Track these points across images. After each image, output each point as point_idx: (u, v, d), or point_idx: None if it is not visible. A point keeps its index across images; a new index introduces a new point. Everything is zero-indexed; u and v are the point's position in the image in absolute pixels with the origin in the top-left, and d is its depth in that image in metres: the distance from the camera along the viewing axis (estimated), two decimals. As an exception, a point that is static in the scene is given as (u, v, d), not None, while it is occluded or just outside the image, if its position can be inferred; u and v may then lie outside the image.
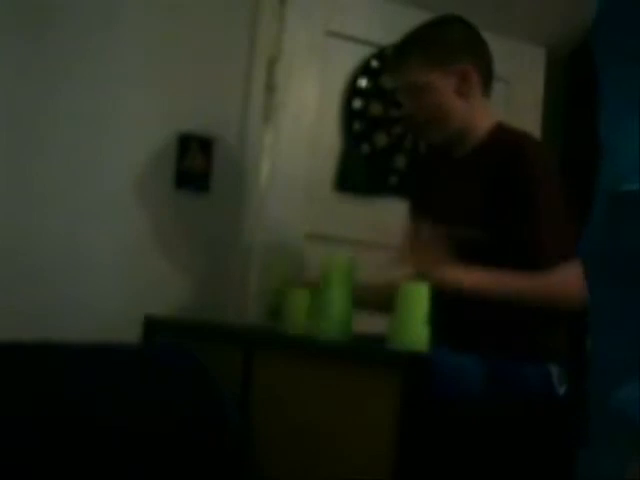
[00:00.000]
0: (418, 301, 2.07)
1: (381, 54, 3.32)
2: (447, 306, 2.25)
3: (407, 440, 1.92)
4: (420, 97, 2.39)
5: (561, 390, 2.27)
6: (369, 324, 2.44)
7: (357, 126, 3.29)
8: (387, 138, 3.33)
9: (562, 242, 2.23)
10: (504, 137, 2.39)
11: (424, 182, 2.61)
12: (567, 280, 2.20)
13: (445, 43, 2.40)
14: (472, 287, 2.24)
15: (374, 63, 3.31)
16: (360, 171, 3.30)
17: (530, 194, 2.26)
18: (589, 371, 1.16)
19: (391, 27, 3.31)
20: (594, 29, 1.18)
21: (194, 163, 2.95)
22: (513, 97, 3.45)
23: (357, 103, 3.29)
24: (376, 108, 3.31)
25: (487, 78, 2.44)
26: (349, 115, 3.28)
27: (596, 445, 1.10)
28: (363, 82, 3.30)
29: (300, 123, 3.16)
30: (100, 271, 2.80)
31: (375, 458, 1.97)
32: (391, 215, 3.24)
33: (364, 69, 3.30)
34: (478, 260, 2.27)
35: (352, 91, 3.29)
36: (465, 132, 2.41)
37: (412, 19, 3.32)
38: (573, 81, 3.62)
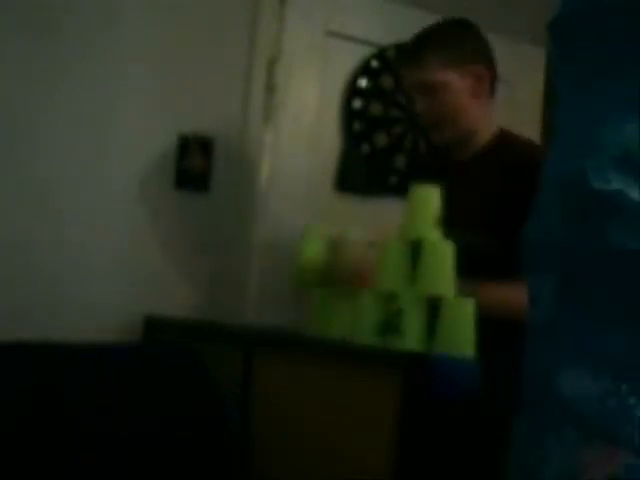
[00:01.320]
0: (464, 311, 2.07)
1: (381, 54, 3.32)
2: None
3: (407, 440, 1.92)
4: (436, 95, 2.39)
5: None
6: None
7: (357, 126, 3.29)
8: (387, 138, 3.33)
9: None
10: (508, 143, 2.40)
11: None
12: None
13: (463, 44, 2.42)
14: None
15: (374, 63, 3.31)
16: (360, 171, 3.30)
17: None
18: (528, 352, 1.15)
19: (391, 27, 3.32)
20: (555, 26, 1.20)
21: (194, 163, 2.95)
22: (513, 97, 3.45)
23: (357, 103, 3.29)
24: (376, 108, 3.31)
25: (495, 82, 2.46)
26: (349, 115, 3.28)
27: (542, 435, 1.10)
28: (363, 82, 3.30)
29: (300, 123, 3.16)
30: (100, 271, 2.80)
31: (375, 458, 1.97)
32: (391, 215, 3.24)
33: (364, 69, 3.30)
34: (480, 265, 2.26)
35: (352, 91, 3.29)
36: (472, 134, 2.42)
37: (412, 19, 3.34)
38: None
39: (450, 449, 1.98)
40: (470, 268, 2.25)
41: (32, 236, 2.70)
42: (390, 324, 2.13)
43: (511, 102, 3.43)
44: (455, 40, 2.42)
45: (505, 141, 2.42)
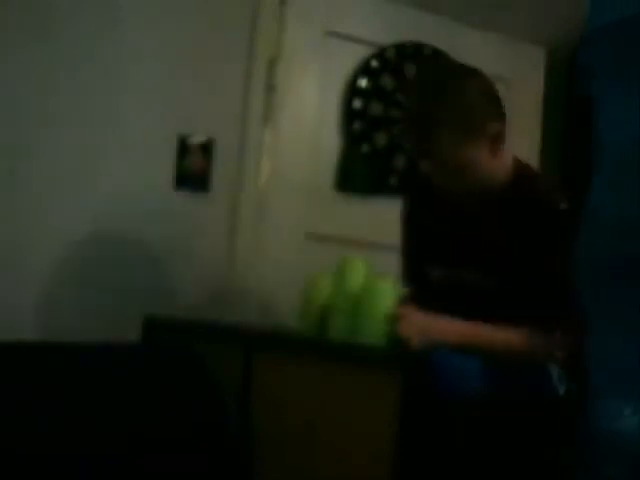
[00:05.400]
0: (385, 296, 2.12)
1: (381, 54, 3.32)
2: (447, 307, 2.25)
3: (407, 440, 1.92)
4: (457, 171, 2.21)
5: (561, 390, 2.27)
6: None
7: (357, 126, 3.29)
8: (387, 138, 3.33)
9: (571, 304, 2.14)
10: (524, 184, 2.27)
11: (428, 214, 2.50)
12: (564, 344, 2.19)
13: (468, 109, 2.18)
14: (458, 341, 2.18)
15: (374, 63, 3.31)
16: (360, 171, 3.30)
17: (552, 252, 2.18)
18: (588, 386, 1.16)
19: (391, 27, 3.32)
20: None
21: (194, 163, 2.95)
22: (513, 97, 3.44)
23: (357, 103, 3.29)
24: (376, 108, 3.31)
25: (505, 127, 2.26)
26: (349, 115, 3.28)
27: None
28: (363, 82, 3.30)
29: (300, 123, 3.16)
30: (100, 271, 2.80)
31: (375, 458, 1.97)
32: (391, 215, 3.24)
33: (364, 69, 3.30)
34: (485, 308, 2.23)
35: (352, 91, 3.29)
36: (487, 182, 2.30)
37: (412, 19, 3.34)
38: (573, 81, 3.62)
39: (450, 449, 1.98)
40: (470, 307, 2.23)
41: (32, 236, 2.70)
42: None
43: (511, 102, 3.42)
44: (464, 108, 2.18)
45: (521, 182, 2.29)
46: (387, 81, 3.33)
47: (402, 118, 2.35)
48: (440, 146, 2.17)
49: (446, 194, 2.32)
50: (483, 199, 2.30)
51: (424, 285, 2.41)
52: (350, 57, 3.28)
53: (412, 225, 2.52)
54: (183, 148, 2.94)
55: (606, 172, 1.14)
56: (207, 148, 2.97)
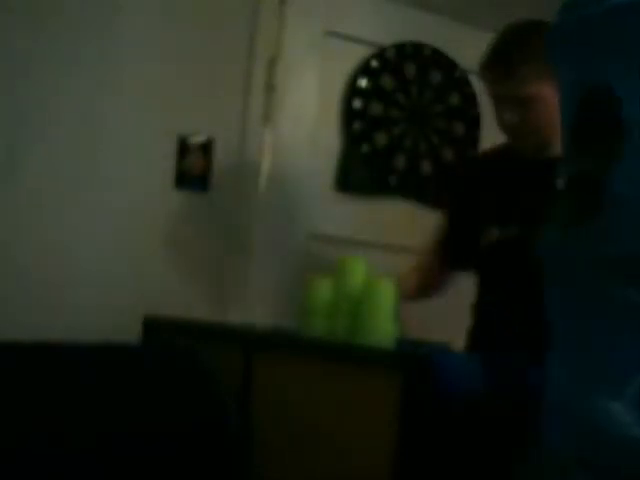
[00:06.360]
0: (385, 296, 2.11)
1: (381, 54, 3.32)
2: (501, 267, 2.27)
3: (407, 440, 1.92)
4: (530, 108, 2.33)
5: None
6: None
7: (357, 126, 3.29)
8: (387, 138, 3.33)
9: None
10: None
11: (478, 182, 2.54)
12: None
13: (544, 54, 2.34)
14: None
15: (374, 63, 3.31)
16: (360, 171, 3.30)
17: None
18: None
19: (391, 27, 3.32)
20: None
21: (194, 163, 2.95)
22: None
23: (357, 103, 3.29)
24: (376, 108, 3.31)
25: None
26: (349, 115, 3.28)
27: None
28: (363, 82, 3.30)
29: (300, 123, 3.16)
30: (100, 271, 2.80)
31: (375, 458, 1.97)
32: (391, 215, 3.25)
33: (364, 69, 3.30)
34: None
35: (352, 91, 3.29)
36: (553, 139, 2.35)
37: (412, 19, 3.34)
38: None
39: (451, 449, 1.98)
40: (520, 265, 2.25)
41: (32, 236, 2.70)
42: None
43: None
44: (542, 53, 2.34)
45: None
46: (387, 81, 3.33)
47: (487, 56, 2.47)
48: (523, 77, 2.32)
49: (512, 150, 2.45)
50: (546, 157, 2.36)
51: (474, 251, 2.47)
52: (350, 57, 3.28)
53: (461, 201, 2.61)
54: (183, 148, 2.94)
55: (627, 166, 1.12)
56: (207, 148, 2.97)
